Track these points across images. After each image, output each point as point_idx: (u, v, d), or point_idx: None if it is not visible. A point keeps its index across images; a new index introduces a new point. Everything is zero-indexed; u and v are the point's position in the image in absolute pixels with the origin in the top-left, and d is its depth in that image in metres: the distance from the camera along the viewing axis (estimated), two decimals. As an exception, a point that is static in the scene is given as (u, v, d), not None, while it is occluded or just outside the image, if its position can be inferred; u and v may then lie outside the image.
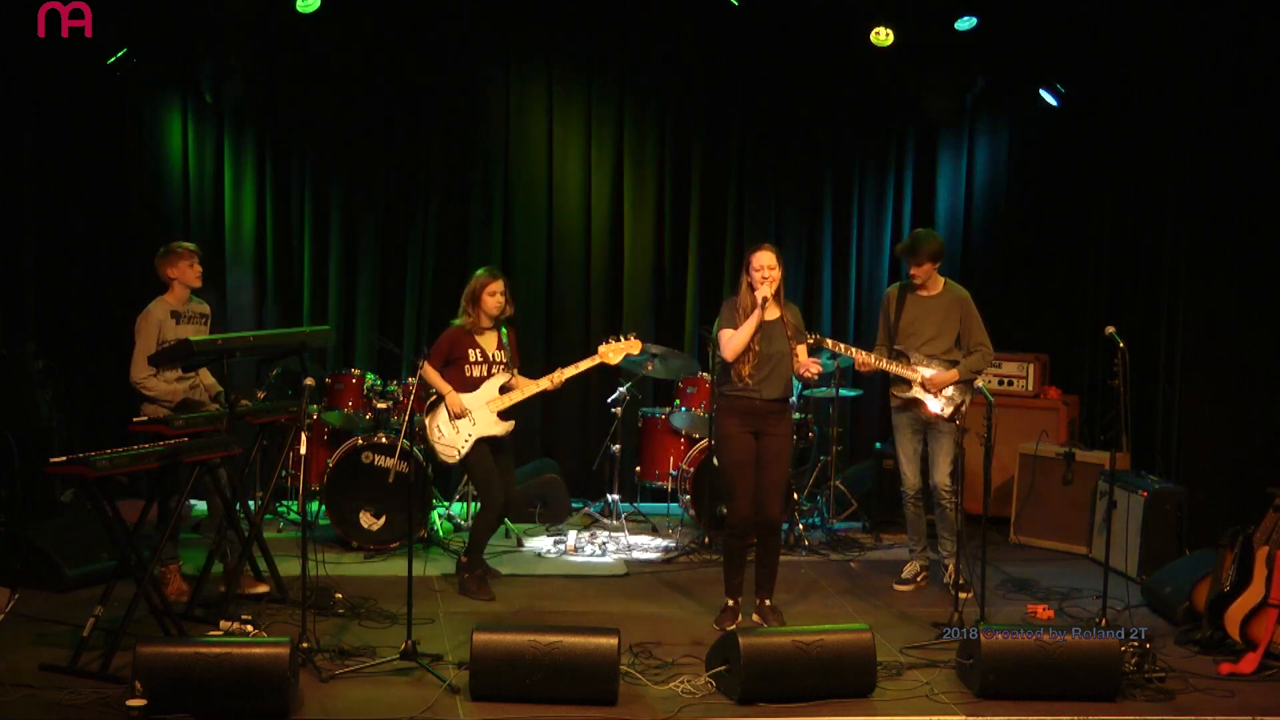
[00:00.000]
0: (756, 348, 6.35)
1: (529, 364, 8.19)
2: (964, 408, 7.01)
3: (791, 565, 7.63)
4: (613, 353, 7.04)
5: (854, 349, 6.98)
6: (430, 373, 6.92)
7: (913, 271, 7.09)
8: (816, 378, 6.53)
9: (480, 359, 6.98)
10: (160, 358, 6.53)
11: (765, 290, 6.31)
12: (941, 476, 7.06)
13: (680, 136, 9.55)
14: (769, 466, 6.40)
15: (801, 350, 6.48)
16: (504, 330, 7.09)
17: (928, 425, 7.11)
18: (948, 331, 7.10)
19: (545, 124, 9.39)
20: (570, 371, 7.05)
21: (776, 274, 6.36)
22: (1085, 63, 9.03)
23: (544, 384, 7.00)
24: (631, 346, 7.06)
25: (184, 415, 6.41)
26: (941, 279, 7.17)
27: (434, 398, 6.97)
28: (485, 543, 7.13)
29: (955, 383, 6.99)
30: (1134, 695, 5.68)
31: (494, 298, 6.94)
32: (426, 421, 6.95)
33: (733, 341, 6.36)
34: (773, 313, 6.41)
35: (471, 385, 6.97)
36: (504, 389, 6.99)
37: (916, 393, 7.00)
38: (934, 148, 9.76)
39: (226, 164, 9.00)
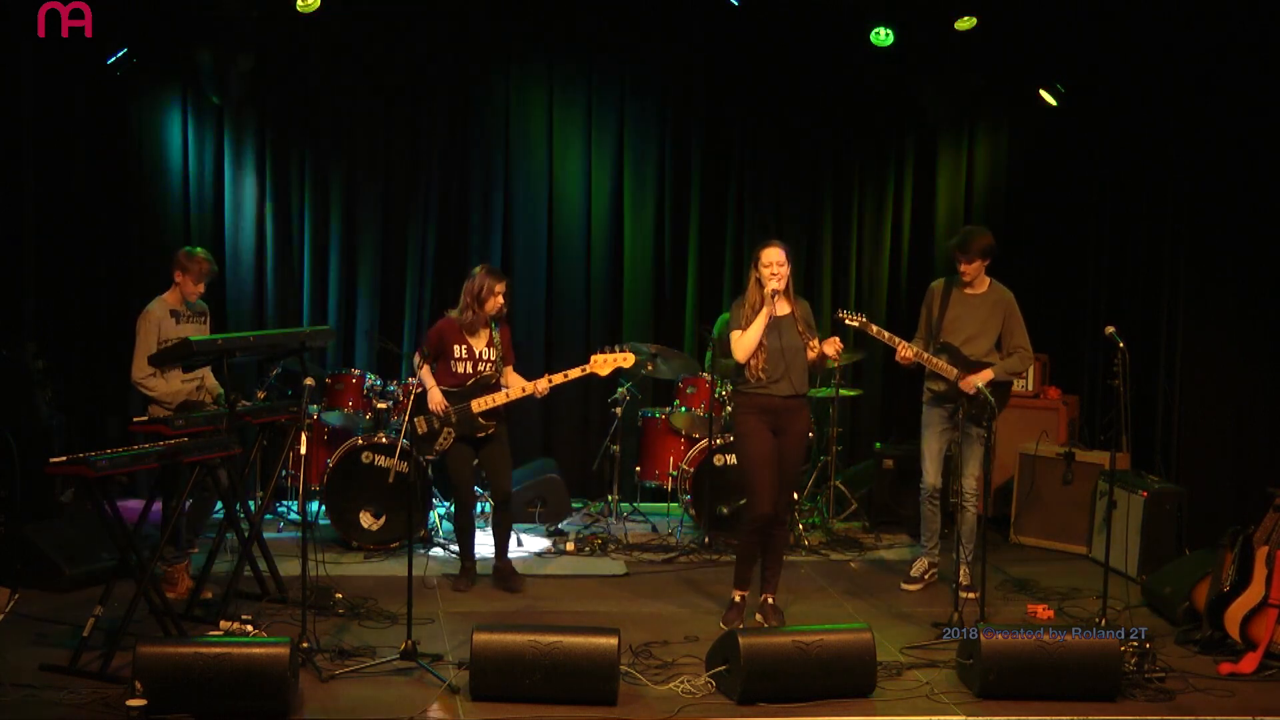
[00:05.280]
0: (766, 343, 6.36)
1: (528, 363, 8.20)
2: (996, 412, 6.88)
3: (791, 565, 7.63)
4: (604, 364, 6.98)
5: (898, 339, 6.88)
6: (421, 366, 6.96)
7: (963, 268, 7.00)
8: (839, 356, 6.50)
9: (466, 355, 6.98)
10: (160, 357, 6.53)
11: (774, 285, 6.32)
12: (969, 480, 7.00)
13: (680, 136, 9.55)
14: (785, 463, 6.42)
15: (815, 342, 6.47)
16: (495, 328, 7.08)
17: (961, 424, 7.03)
18: (989, 331, 7.02)
19: (545, 124, 9.39)
20: (558, 379, 7.00)
21: (785, 270, 6.38)
22: (1085, 63, 9.04)
23: (530, 388, 6.96)
24: (624, 359, 6.99)
25: (184, 415, 6.41)
26: (988, 278, 7.09)
27: (418, 391, 6.97)
28: (466, 542, 7.15)
29: (990, 381, 6.87)
30: (1134, 695, 5.68)
31: (497, 298, 6.95)
32: (408, 413, 6.96)
33: (743, 341, 6.38)
34: (783, 308, 6.42)
35: (457, 381, 6.98)
36: (491, 387, 6.98)
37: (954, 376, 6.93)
38: (934, 148, 9.77)
39: (226, 164, 9.00)
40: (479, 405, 6.93)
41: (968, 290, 7.05)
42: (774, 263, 6.36)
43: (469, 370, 6.98)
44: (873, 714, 5.50)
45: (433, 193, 9.25)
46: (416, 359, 7.01)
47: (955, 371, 6.94)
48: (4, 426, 7.20)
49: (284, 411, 6.88)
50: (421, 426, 6.97)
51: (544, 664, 5.36)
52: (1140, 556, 7.54)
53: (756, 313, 6.38)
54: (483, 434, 6.98)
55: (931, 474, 7.15)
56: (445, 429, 6.95)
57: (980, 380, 6.81)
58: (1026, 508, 8.43)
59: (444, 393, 6.95)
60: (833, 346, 6.41)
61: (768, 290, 6.34)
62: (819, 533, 8.38)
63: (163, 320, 6.81)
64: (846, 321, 6.72)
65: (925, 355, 6.95)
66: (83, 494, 6.87)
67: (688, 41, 9.38)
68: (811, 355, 6.41)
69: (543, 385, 6.95)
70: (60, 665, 5.57)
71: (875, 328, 6.87)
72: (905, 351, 6.89)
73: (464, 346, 6.98)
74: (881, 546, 8.27)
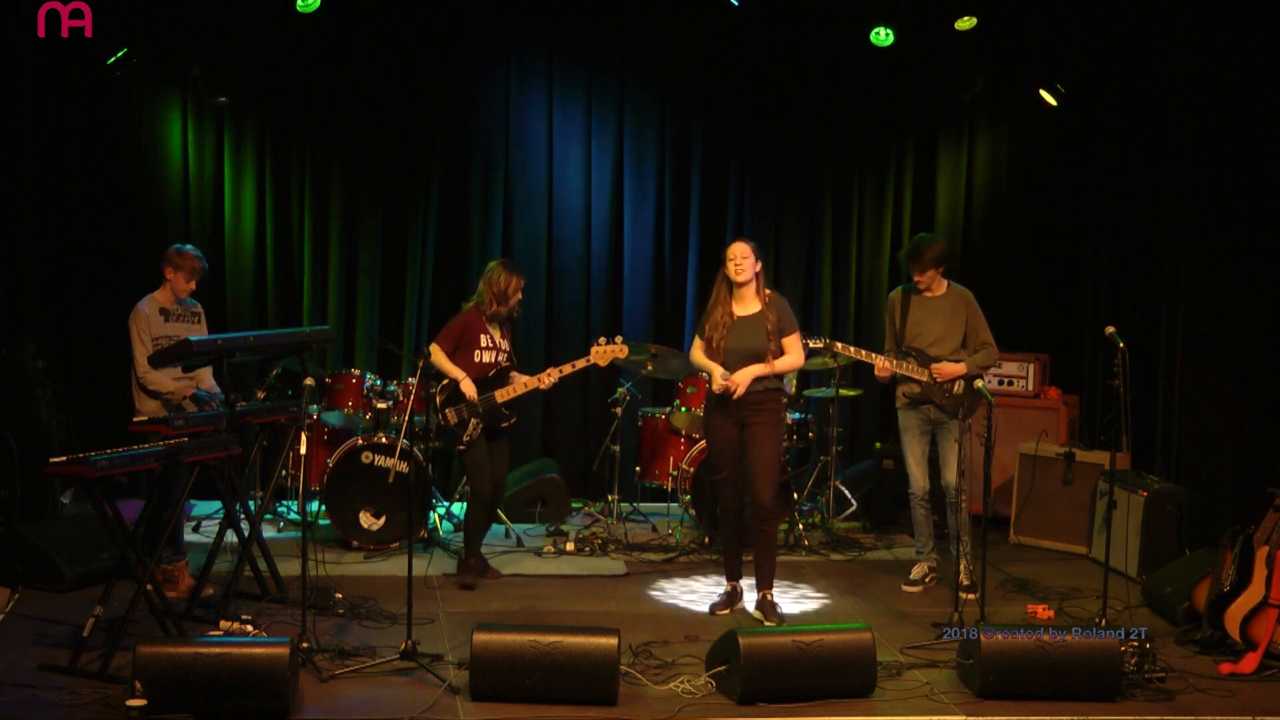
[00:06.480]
0: (724, 345, 6.48)
1: (528, 363, 8.19)
2: (972, 408, 6.95)
3: (792, 565, 7.64)
4: (603, 355, 7.10)
5: (873, 355, 7.00)
6: (441, 357, 7.00)
7: (917, 278, 7.10)
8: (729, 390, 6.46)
9: (490, 345, 7.10)
10: (160, 357, 6.52)
11: (734, 276, 6.46)
12: (952, 476, 7.03)
13: (680, 135, 9.55)
14: (753, 452, 6.49)
15: (790, 342, 6.51)
16: (503, 322, 7.20)
17: (936, 425, 7.09)
18: (954, 332, 7.09)
19: (545, 123, 9.40)
20: (566, 369, 7.15)
21: (748, 263, 6.46)
22: (1085, 63, 9.04)
23: (534, 382, 7.09)
24: (619, 351, 7.14)
25: (184, 415, 6.41)
26: (944, 280, 7.17)
27: (446, 382, 7.01)
28: (477, 536, 7.20)
29: (963, 376, 6.99)
30: (1134, 695, 5.67)
31: (518, 294, 7.12)
32: (438, 405, 7.01)
33: (694, 363, 6.67)
34: (752, 307, 6.45)
35: (480, 371, 7.05)
36: (508, 379, 7.09)
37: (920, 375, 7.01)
38: (934, 148, 9.77)
39: (226, 164, 9.00)
40: (502, 395, 7.04)
41: (927, 294, 7.13)
42: (737, 255, 6.48)
43: (493, 360, 7.10)
44: (873, 714, 5.50)
45: (433, 192, 9.25)
46: (437, 352, 7.01)
47: (927, 372, 7.00)
48: (4, 426, 7.20)
49: (284, 411, 6.88)
50: (452, 418, 7.03)
51: (544, 664, 5.36)
52: (1140, 556, 7.54)
53: (719, 304, 6.51)
54: (506, 424, 7.09)
55: (919, 478, 7.16)
56: (473, 420, 7.00)
57: (954, 372, 6.96)
58: (1026, 508, 8.43)
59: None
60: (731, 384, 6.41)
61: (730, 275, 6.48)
62: (819, 533, 8.38)
63: (151, 318, 6.81)
64: (811, 345, 6.77)
65: (901, 365, 7.02)
66: (83, 494, 6.87)
67: (688, 41, 9.39)
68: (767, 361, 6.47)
69: (548, 377, 7.03)
70: (60, 665, 5.57)
71: (840, 345, 6.97)
72: (883, 362, 6.98)
73: (488, 336, 7.10)
74: (881, 546, 8.27)
